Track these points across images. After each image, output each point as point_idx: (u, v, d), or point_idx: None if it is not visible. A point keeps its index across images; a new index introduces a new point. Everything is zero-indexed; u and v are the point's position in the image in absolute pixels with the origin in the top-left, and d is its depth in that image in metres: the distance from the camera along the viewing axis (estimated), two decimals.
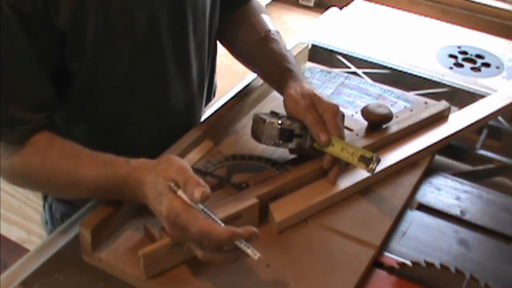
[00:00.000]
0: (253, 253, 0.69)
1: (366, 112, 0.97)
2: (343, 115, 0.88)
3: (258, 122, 0.89)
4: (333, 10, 1.53)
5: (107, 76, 0.87)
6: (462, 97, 1.20)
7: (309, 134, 0.87)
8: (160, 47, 0.89)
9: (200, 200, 0.70)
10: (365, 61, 1.30)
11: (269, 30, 1.01)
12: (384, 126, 0.98)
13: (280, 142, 0.87)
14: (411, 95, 1.16)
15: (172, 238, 0.73)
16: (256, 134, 0.89)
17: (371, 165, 0.83)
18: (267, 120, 0.86)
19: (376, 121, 0.97)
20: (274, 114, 0.91)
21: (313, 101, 0.87)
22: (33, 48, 0.79)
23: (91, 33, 0.81)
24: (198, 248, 0.71)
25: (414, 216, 0.89)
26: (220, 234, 0.69)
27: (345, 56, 1.31)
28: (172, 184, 0.72)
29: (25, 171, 0.82)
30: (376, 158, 0.83)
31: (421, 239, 0.85)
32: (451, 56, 1.37)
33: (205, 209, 0.71)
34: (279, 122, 0.86)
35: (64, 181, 0.80)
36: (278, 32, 1.02)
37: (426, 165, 0.97)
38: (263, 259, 0.69)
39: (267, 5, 3.05)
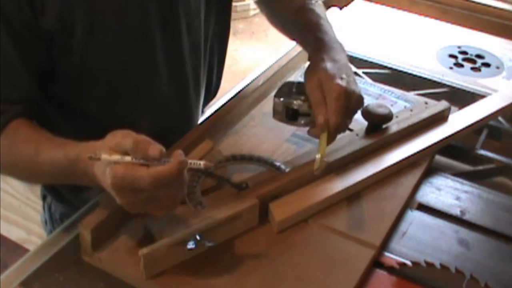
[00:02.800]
0: (197, 164, 0.71)
1: (366, 112, 0.97)
2: (357, 98, 0.85)
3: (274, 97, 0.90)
4: (333, 10, 1.53)
5: (97, 76, 0.87)
6: (462, 97, 1.20)
7: None
8: (152, 47, 0.88)
9: (160, 156, 0.67)
10: (365, 61, 1.30)
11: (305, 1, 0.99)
12: (384, 126, 0.98)
13: (286, 119, 0.88)
14: (411, 95, 1.16)
15: (127, 207, 0.70)
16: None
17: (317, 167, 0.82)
18: (275, 98, 0.87)
19: (376, 121, 0.97)
20: (299, 85, 0.90)
21: (320, 80, 0.85)
22: (16, 48, 0.79)
23: (79, 34, 0.81)
24: (163, 201, 0.70)
25: (414, 216, 0.89)
26: (171, 170, 0.67)
27: None
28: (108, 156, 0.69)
29: None
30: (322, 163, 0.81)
31: (421, 239, 0.84)
32: (451, 56, 1.37)
33: (137, 160, 0.69)
34: (281, 99, 0.87)
35: (27, 165, 0.81)
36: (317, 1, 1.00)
37: (426, 165, 0.97)
38: (208, 164, 0.71)
39: None
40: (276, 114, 0.89)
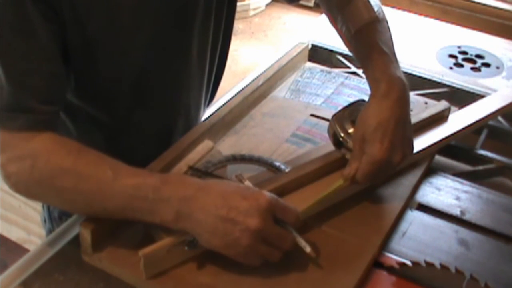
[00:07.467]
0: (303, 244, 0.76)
1: None
2: (396, 164, 0.84)
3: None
4: None
5: (108, 76, 0.86)
6: (462, 97, 1.20)
7: None
8: (162, 48, 0.88)
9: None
10: None
11: (368, 20, 0.92)
12: None
13: (334, 146, 0.89)
14: (411, 95, 1.16)
15: (249, 248, 0.72)
16: None
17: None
18: (333, 117, 0.88)
19: None
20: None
21: (364, 136, 0.83)
22: (50, 32, 0.74)
23: (94, 29, 0.79)
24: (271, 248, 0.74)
25: (414, 216, 0.89)
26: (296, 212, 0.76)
27: (345, 56, 1.31)
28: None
29: (52, 171, 0.74)
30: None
31: (421, 239, 0.84)
32: (451, 56, 1.37)
33: None
34: (336, 126, 0.88)
35: (95, 188, 0.74)
36: (378, 18, 0.92)
37: (426, 165, 0.97)
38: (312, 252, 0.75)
39: (267, 5, 3.05)
40: (328, 133, 0.89)
